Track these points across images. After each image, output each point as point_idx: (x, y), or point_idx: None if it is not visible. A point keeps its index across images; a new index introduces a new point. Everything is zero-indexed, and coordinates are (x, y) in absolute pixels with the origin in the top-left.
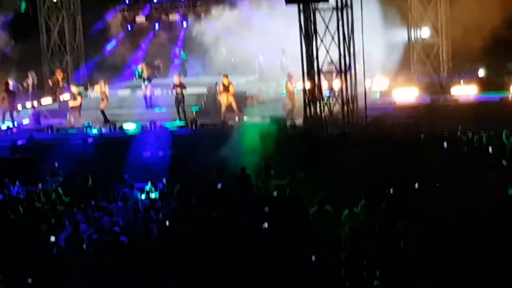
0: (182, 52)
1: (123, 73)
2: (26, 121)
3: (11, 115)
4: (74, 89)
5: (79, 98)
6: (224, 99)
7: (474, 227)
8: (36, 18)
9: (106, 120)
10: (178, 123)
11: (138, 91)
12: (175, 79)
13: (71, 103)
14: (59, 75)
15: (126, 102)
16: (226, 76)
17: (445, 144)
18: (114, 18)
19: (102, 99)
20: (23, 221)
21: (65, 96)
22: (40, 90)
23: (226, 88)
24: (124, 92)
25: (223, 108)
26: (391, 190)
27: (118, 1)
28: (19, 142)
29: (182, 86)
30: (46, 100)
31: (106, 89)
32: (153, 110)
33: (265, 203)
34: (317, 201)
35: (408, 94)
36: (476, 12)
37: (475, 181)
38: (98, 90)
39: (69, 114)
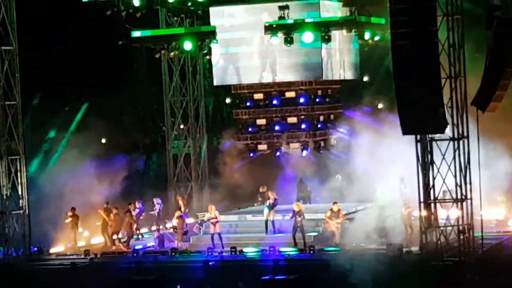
0: (301, 178)
1: (245, 198)
2: (151, 244)
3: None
4: (177, 213)
5: (176, 221)
6: (332, 225)
7: None
8: (164, 145)
9: (220, 245)
10: (295, 248)
11: (258, 216)
12: (295, 207)
13: (171, 225)
14: (181, 201)
15: (246, 226)
16: (335, 203)
17: None
18: (237, 146)
19: (213, 224)
20: None
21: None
22: (165, 214)
23: (335, 215)
24: (244, 217)
25: (336, 233)
26: None
27: (242, 131)
28: (144, 264)
29: (301, 214)
30: (170, 224)
31: (217, 214)
32: (272, 235)
33: None
34: None
35: None
36: None
37: None
38: (208, 215)
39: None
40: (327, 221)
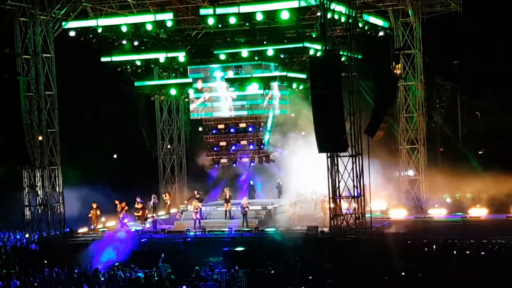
0: (251, 181)
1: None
2: (148, 226)
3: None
4: (138, 205)
5: (141, 212)
6: (291, 211)
7: None
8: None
9: (199, 227)
10: (245, 229)
11: (221, 207)
12: (242, 202)
13: (136, 214)
14: (167, 196)
15: (212, 214)
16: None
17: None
18: (207, 160)
19: (196, 213)
20: None
21: (172, 211)
22: (158, 205)
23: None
24: (211, 208)
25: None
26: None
27: (209, 150)
28: (143, 240)
29: (247, 206)
30: (161, 212)
31: (199, 205)
32: (230, 220)
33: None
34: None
35: (399, 213)
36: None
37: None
38: (193, 207)
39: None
40: (287, 209)
